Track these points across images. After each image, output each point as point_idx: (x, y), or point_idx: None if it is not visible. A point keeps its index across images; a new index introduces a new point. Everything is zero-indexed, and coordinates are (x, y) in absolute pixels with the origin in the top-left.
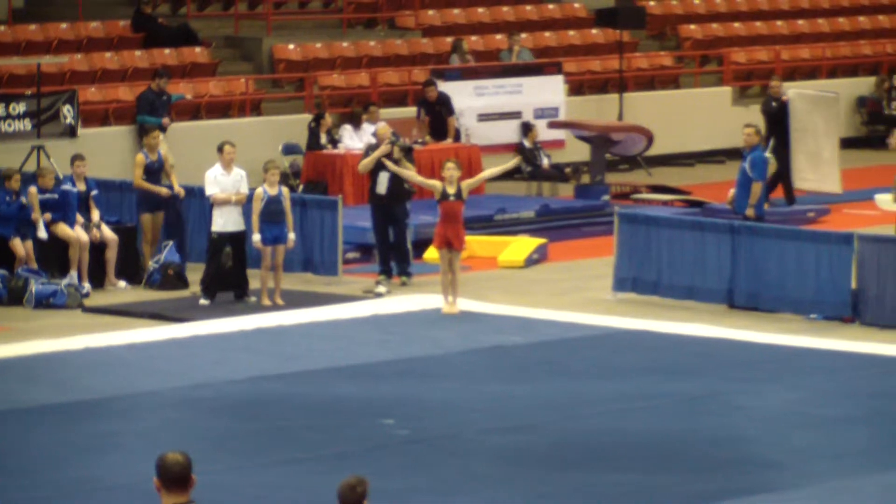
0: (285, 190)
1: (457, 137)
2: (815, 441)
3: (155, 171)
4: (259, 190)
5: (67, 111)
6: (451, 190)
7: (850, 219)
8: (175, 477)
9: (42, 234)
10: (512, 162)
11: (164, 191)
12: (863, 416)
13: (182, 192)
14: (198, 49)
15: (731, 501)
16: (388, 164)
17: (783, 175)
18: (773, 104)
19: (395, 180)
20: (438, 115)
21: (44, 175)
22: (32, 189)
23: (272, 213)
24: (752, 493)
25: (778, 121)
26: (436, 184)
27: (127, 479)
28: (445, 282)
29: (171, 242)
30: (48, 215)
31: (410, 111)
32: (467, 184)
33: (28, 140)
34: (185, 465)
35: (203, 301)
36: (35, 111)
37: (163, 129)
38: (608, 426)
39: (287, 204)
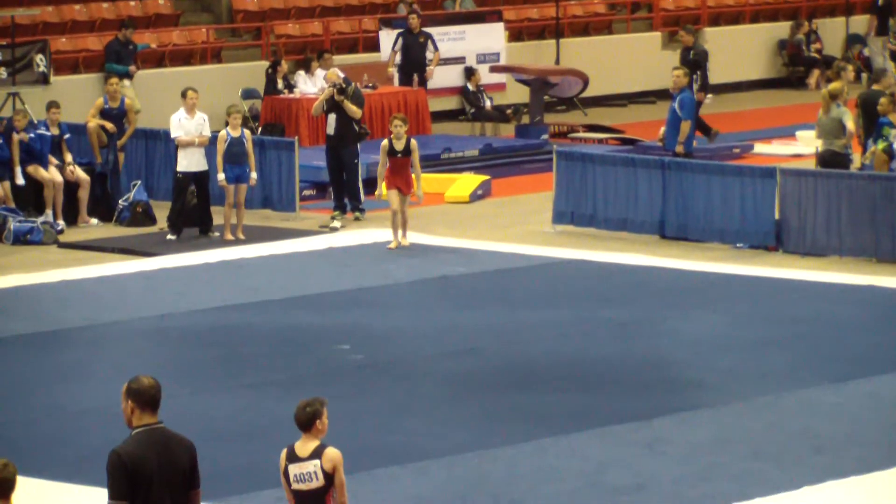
0: (247, 132)
1: (422, 83)
2: (739, 362)
3: (113, 118)
4: (223, 132)
5: (40, 60)
6: (399, 146)
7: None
8: (151, 399)
9: (19, 180)
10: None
11: (108, 125)
12: (784, 339)
13: (121, 146)
14: (161, 1)
15: (662, 418)
16: (347, 105)
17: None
18: (690, 54)
19: (343, 122)
20: (414, 48)
21: (18, 119)
22: (16, 137)
23: (235, 154)
24: (682, 411)
25: (694, 68)
26: (384, 146)
27: (96, 404)
28: (395, 221)
29: (138, 182)
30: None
31: (361, 58)
32: (416, 150)
33: (3, 87)
34: (158, 388)
35: (170, 236)
36: (10, 60)
37: (129, 76)
38: (548, 350)
39: (249, 145)
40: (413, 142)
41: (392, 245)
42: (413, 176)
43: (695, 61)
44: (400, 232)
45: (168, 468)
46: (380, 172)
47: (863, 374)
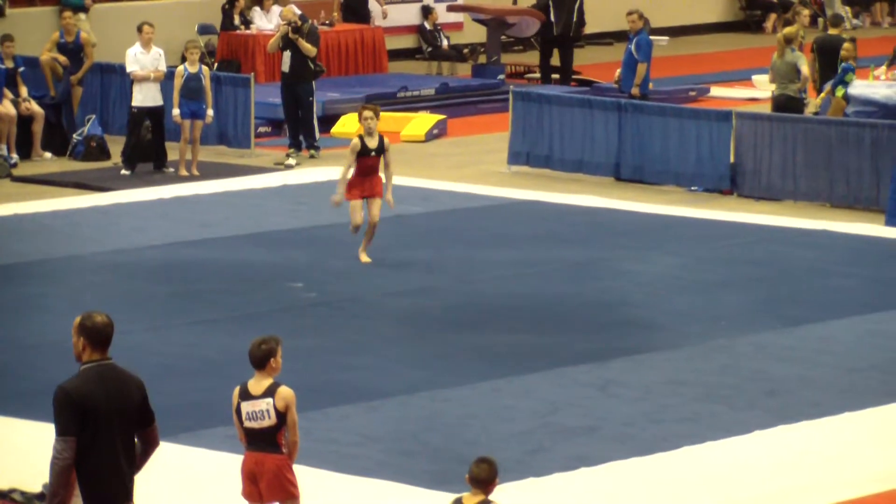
0: (205, 68)
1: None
2: (693, 304)
3: (69, 52)
4: (180, 67)
5: None
6: (372, 144)
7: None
8: (104, 337)
9: None
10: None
11: (62, 59)
12: (738, 282)
13: (77, 81)
14: None
15: (616, 360)
16: (301, 43)
17: None
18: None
19: (298, 60)
20: None
21: None
22: None
23: (191, 90)
24: (636, 353)
25: None
26: (354, 146)
27: (51, 338)
28: (355, 224)
29: (93, 117)
30: None
31: None
32: (389, 147)
33: None
34: (111, 326)
35: (124, 171)
36: None
37: (85, 10)
38: (502, 290)
39: (206, 82)
40: (387, 140)
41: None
42: (383, 180)
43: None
44: (363, 244)
45: (116, 404)
46: (342, 178)
47: (817, 319)
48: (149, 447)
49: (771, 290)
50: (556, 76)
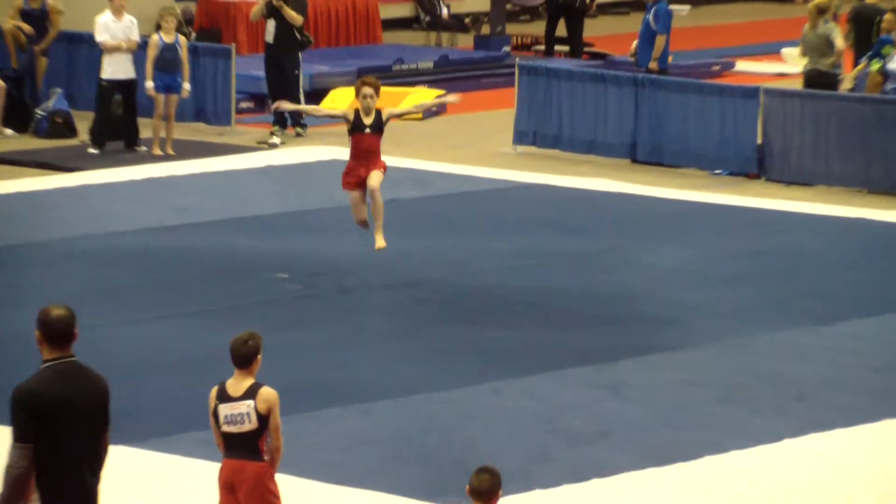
0: (182, 38)
1: None
2: (709, 299)
3: (34, 19)
4: (154, 37)
5: None
6: (368, 120)
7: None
8: (59, 333)
9: None
10: (451, 97)
11: (26, 27)
12: (762, 275)
13: (42, 51)
14: None
15: (626, 359)
16: (286, 10)
17: None
18: None
19: (283, 29)
20: None
21: None
22: None
23: (167, 62)
24: (645, 352)
25: None
26: (346, 112)
27: (18, 330)
28: (360, 220)
29: (59, 90)
30: None
31: None
32: (390, 113)
33: None
34: (69, 321)
35: (92, 150)
36: None
37: None
38: (502, 282)
39: (184, 53)
40: (387, 111)
41: (362, 217)
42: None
43: None
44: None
45: (79, 406)
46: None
47: (845, 316)
48: (102, 454)
49: (797, 284)
50: (562, 48)
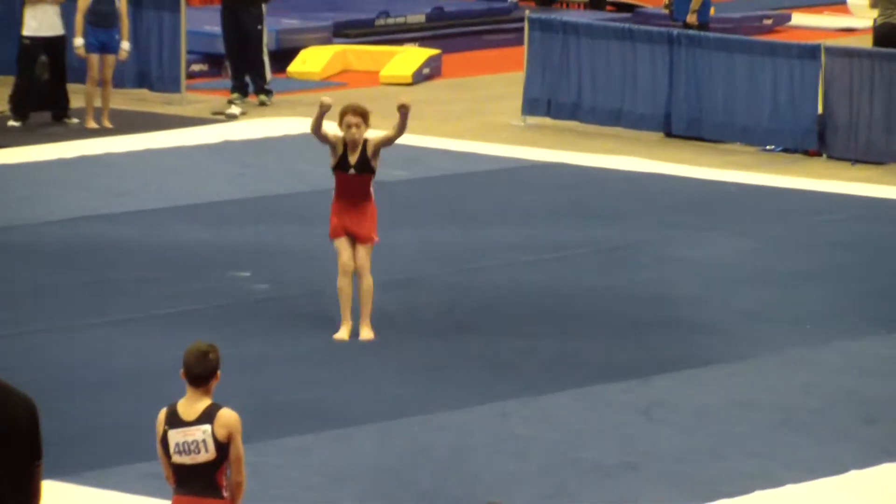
0: None
1: None
2: (766, 301)
3: None
4: None
5: None
6: (353, 157)
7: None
8: None
9: None
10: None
11: None
12: (826, 272)
13: None
14: None
15: (663, 375)
16: None
17: None
18: None
19: None
20: None
21: None
22: None
23: (100, 15)
24: (686, 366)
25: None
26: (336, 141)
27: None
28: (344, 292)
29: None
30: None
31: None
32: (376, 144)
33: None
34: None
35: (13, 122)
36: None
37: None
38: (511, 281)
39: (122, 4)
40: (372, 142)
41: (341, 333)
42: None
43: None
44: (352, 314)
45: None
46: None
47: None
48: (31, 497)
49: (869, 283)
50: None
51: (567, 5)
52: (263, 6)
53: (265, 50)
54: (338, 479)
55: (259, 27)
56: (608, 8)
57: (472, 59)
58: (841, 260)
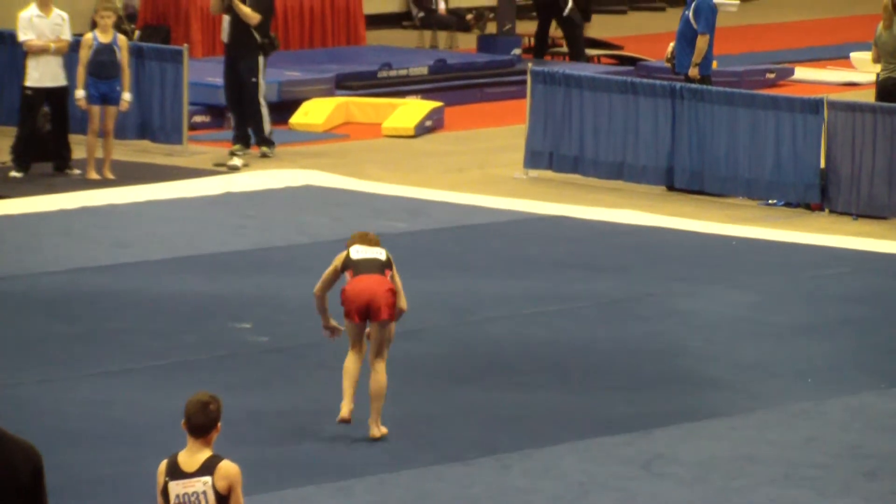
0: (122, 38)
1: None
2: (767, 355)
3: None
4: (88, 36)
5: None
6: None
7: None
8: None
9: None
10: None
11: None
12: (829, 326)
13: None
14: None
15: (662, 429)
16: (238, 6)
17: None
18: None
19: (239, 27)
20: None
21: None
22: None
23: (103, 66)
24: (688, 419)
25: None
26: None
27: None
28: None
29: None
30: None
31: None
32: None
33: None
34: None
35: (14, 173)
36: None
37: None
38: (513, 333)
39: (123, 55)
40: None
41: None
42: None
43: None
44: (359, 403)
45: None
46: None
47: None
48: None
49: (871, 337)
50: (592, 52)
51: (565, 57)
52: (260, 58)
53: (262, 101)
54: None
55: (254, 79)
56: (608, 60)
57: (474, 111)
58: (843, 314)
